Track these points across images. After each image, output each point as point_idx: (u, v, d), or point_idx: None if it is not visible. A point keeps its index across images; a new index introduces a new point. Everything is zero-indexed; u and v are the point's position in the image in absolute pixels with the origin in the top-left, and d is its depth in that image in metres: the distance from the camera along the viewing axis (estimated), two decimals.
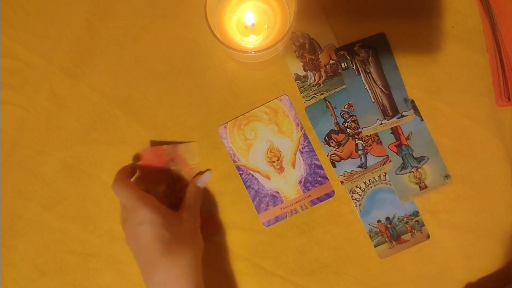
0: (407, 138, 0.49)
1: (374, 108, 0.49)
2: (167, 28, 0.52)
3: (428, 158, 0.49)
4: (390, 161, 0.49)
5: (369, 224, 0.49)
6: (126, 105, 0.52)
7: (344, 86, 0.50)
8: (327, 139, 0.50)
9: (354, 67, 0.50)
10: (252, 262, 0.50)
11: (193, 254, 0.44)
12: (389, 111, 0.49)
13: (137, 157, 0.51)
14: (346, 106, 0.50)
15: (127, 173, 0.48)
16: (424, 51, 0.49)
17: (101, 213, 0.52)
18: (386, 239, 0.49)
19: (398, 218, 0.49)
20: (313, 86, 0.50)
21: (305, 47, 0.51)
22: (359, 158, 0.50)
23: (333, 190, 0.50)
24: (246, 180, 0.51)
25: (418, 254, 0.49)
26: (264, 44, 0.45)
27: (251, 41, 0.45)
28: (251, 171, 0.51)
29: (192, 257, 0.43)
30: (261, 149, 0.51)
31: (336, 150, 0.50)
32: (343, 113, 0.50)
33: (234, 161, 0.51)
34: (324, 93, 0.50)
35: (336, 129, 0.50)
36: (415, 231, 0.49)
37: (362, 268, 0.49)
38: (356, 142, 0.50)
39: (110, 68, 0.52)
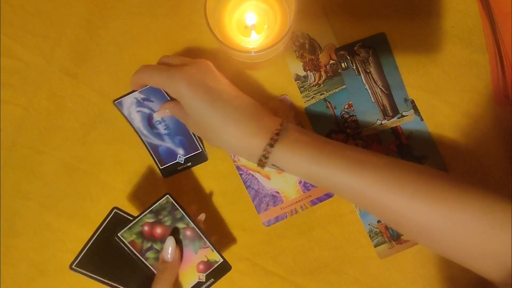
0: (407, 138, 0.49)
1: (374, 108, 0.49)
2: (167, 28, 0.52)
3: (428, 158, 0.49)
4: None
5: (369, 224, 0.49)
6: None
7: (344, 86, 0.50)
8: None
9: (354, 67, 0.50)
10: (252, 262, 0.50)
11: None
12: (389, 111, 0.49)
13: None
14: (346, 106, 0.50)
15: None
16: (424, 51, 0.49)
17: (100, 212, 0.51)
18: (386, 239, 0.49)
19: None
20: (313, 86, 0.50)
21: (305, 47, 0.50)
22: None
23: None
24: (246, 180, 0.51)
25: (418, 254, 0.49)
26: (264, 44, 0.45)
27: (251, 41, 0.46)
28: (251, 171, 0.51)
29: None
30: None
31: None
32: (343, 113, 0.50)
33: (234, 161, 0.51)
34: (324, 93, 0.50)
35: (336, 129, 0.50)
36: None
37: (362, 268, 0.49)
38: (356, 142, 0.50)
39: (110, 68, 0.52)
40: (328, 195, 0.50)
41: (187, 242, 0.44)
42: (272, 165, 0.42)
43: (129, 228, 0.43)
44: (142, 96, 0.48)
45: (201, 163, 0.50)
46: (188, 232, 0.44)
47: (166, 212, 0.44)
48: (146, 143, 0.50)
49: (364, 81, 0.49)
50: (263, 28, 0.45)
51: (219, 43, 0.40)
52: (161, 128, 0.49)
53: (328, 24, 0.50)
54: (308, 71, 0.50)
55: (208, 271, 0.44)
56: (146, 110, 0.49)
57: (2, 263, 0.52)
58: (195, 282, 0.44)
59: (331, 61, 0.50)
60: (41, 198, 0.52)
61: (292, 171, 0.42)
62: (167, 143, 0.50)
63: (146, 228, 0.43)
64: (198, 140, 0.49)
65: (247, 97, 0.45)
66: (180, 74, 0.42)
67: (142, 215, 0.43)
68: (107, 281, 0.43)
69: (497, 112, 0.49)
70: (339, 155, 0.40)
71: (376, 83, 0.49)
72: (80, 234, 0.52)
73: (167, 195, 0.44)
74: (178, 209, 0.44)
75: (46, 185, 0.52)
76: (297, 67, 0.50)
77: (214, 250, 0.44)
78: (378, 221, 0.49)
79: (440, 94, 0.49)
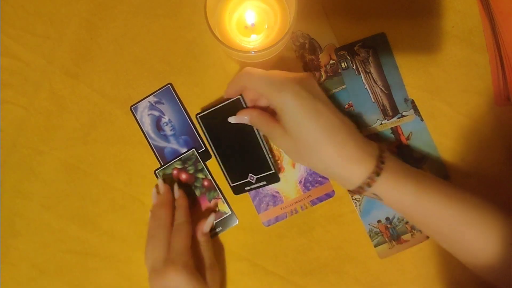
0: (407, 138, 0.49)
1: (374, 108, 0.49)
2: (167, 28, 0.52)
3: (428, 158, 0.49)
4: None
5: (369, 224, 0.49)
6: (126, 105, 0.52)
7: (344, 86, 0.50)
8: None
9: (354, 67, 0.50)
10: (252, 262, 0.50)
11: None
12: (389, 111, 0.49)
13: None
14: (346, 106, 0.50)
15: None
16: (424, 51, 0.49)
17: (100, 212, 0.52)
18: (386, 239, 0.49)
19: (398, 218, 0.49)
20: None
21: (305, 47, 0.51)
22: None
23: (333, 190, 0.50)
24: None
25: (418, 254, 0.49)
26: (264, 44, 0.45)
27: (251, 41, 0.46)
28: None
29: None
30: None
31: None
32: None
33: None
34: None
35: None
36: (415, 231, 0.49)
37: (362, 268, 0.49)
38: None
39: (110, 68, 0.52)
40: (328, 195, 0.50)
41: (204, 190, 0.51)
42: (372, 194, 0.41)
43: (163, 168, 0.51)
44: (156, 99, 0.51)
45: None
46: (206, 183, 0.51)
47: (191, 162, 0.50)
48: (153, 146, 0.51)
49: (364, 81, 0.50)
50: (263, 28, 0.45)
51: (219, 43, 0.40)
52: (168, 130, 0.51)
53: (328, 24, 0.50)
54: (308, 71, 0.50)
55: (218, 220, 0.51)
56: (156, 113, 0.51)
57: (2, 263, 0.52)
58: None
59: (331, 61, 0.50)
60: (41, 198, 0.52)
61: (391, 202, 0.41)
62: (172, 144, 0.51)
63: (175, 172, 0.51)
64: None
65: (347, 118, 0.43)
66: (288, 83, 0.40)
67: (173, 160, 0.50)
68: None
69: (498, 112, 0.49)
70: (437, 190, 0.40)
71: (376, 83, 0.49)
72: (80, 234, 0.52)
73: (193, 149, 0.50)
74: (200, 161, 0.50)
75: (46, 185, 0.52)
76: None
77: (225, 203, 0.51)
78: (378, 221, 0.49)
79: (440, 94, 0.49)
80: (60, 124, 0.52)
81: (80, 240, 0.52)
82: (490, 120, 0.49)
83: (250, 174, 0.48)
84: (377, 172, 0.39)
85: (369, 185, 0.39)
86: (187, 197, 0.50)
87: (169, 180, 0.51)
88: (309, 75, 0.43)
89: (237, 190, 0.50)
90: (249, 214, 0.50)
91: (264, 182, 0.49)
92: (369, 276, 0.49)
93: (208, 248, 0.48)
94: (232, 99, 0.45)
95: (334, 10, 0.50)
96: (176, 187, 0.50)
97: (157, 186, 0.50)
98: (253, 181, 0.49)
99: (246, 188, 0.49)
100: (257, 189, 0.50)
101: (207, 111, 0.48)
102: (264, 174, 0.48)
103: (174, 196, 0.50)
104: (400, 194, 0.40)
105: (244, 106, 0.45)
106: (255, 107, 0.45)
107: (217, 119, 0.47)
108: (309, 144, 0.40)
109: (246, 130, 0.46)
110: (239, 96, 0.45)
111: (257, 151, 0.46)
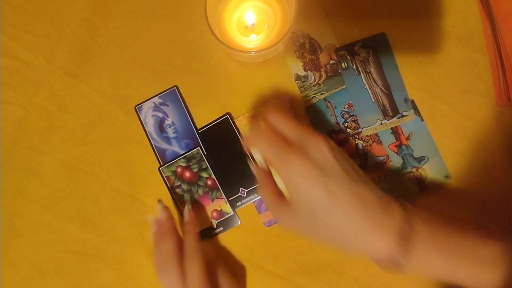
0: (407, 138, 0.49)
1: (374, 108, 0.49)
2: (167, 28, 0.52)
3: (428, 158, 0.49)
4: (390, 161, 0.49)
5: None
6: (126, 105, 0.52)
7: (344, 86, 0.50)
8: None
9: (354, 67, 0.50)
10: (252, 262, 0.50)
11: None
12: (389, 111, 0.49)
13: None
14: (346, 106, 0.50)
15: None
16: (424, 51, 0.49)
17: (100, 213, 0.52)
18: None
19: None
20: (313, 86, 0.50)
21: (305, 47, 0.51)
22: (359, 158, 0.50)
23: None
24: None
25: None
26: (264, 44, 0.45)
27: (251, 41, 0.45)
28: None
29: None
30: None
31: None
32: (343, 113, 0.50)
33: None
34: (324, 93, 0.50)
35: (336, 129, 0.50)
36: None
37: (362, 268, 0.49)
38: (356, 142, 0.50)
39: (110, 68, 0.52)
40: None
41: (206, 189, 0.51)
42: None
43: (167, 166, 0.51)
44: (160, 100, 0.51)
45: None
46: (209, 182, 0.51)
47: (195, 160, 0.51)
48: (154, 147, 0.51)
49: (364, 81, 0.50)
50: (263, 28, 0.45)
51: (220, 43, 0.40)
52: (170, 132, 0.51)
53: (329, 24, 0.50)
54: (308, 71, 0.50)
55: (220, 220, 0.51)
56: (160, 114, 0.51)
57: (2, 263, 0.52)
58: (207, 227, 0.51)
59: (331, 61, 0.50)
60: (41, 198, 0.52)
61: (418, 274, 0.39)
62: (174, 147, 0.51)
63: (179, 169, 0.51)
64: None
65: (367, 182, 0.39)
66: (296, 161, 0.37)
67: (178, 158, 0.51)
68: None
69: (498, 113, 0.49)
70: (468, 259, 0.37)
71: (376, 83, 0.49)
72: (80, 234, 0.52)
73: (198, 147, 0.50)
74: (204, 160, 0.50)
75: (46, 185, 0.52)
76: (297, 67, 0.50)
77: (227, 203, 0.50)
78: None
79: (440, 94, 0.49)
80: (60, 124, 0.52)
81: (80, 240, 0.52)
82: (491, 121, 0.49)
83: (241, 188, 0.50)
84: (400, 252, 0.36)
85: (394, 264, 0.37)
86: (196, 222, 0.49)
87: (173, 176, 0.51)
88: (319, 140, 0.39)
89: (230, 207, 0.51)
90: (250, 214, 0.50)
91: (255, 195, 0.50)
92: (369, 276, 0.49)
93: (224, 274, 0.46)
94: (221, 119, 0.50)
95: (334, 10, 0.50)
96: (186, 210, 0.49)
97: (161, 205, 0.50)
98: (244, 195, 0.50)
99: (237, 204, 0.50)
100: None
101: (204, 128, 0.51)
102: (254, 187, 0.50)
103: (184, 217, 0.49)
104: (429, 268, 0.37)
105: (232, 125, 0.50)
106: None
107: (211, 136, 0.50)
108: (324, 224, 0.38)
109: (235, 146, 0.49)
110: (227, 116, 0.50)
111: (246, 164, 0.48)
